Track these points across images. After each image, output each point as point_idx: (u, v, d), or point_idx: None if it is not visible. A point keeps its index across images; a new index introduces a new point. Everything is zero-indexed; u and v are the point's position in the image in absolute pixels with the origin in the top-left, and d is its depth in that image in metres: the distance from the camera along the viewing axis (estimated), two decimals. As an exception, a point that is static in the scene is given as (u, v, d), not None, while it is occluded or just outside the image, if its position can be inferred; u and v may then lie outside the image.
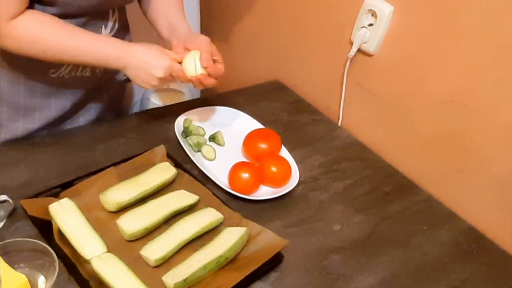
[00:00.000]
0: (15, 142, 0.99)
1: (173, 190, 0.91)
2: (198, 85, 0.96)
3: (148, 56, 0.90)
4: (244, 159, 1.06)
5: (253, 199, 0.95)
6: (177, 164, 0.98)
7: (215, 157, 1.05)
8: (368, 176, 1.09)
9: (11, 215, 0.82)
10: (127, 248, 0.80)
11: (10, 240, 0.69)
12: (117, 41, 0.92)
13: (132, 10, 1.08)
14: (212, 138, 1.09)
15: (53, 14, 0.86)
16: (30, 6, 0.84)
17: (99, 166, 0.93)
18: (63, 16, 0.87)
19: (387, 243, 0.93)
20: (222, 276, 0.78)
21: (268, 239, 0.84)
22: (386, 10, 1.07)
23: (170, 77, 0.93)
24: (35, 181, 0.90)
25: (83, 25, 0.91)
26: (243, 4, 1.52)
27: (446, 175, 1.06)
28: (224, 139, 1.10)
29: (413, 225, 0.98)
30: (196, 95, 1.73)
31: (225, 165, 0.99)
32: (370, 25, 1.11)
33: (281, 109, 1.28)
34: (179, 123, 1.07)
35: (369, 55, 1.15)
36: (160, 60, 0.91)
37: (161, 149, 0.99)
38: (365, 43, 1.14)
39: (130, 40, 1.08)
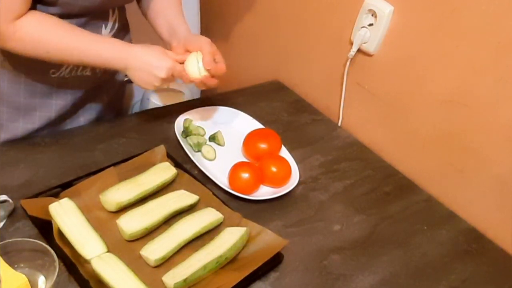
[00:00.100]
0: (15, 142, 0.99)
1: (173, 190, 0.91)
2: (201, 86, 0.97)
3: (150, 57, 0.91)
4: (244, 159, 1.06)
5: (253, 199, 0.95)
6: (177, 164, 0.98)
7: (215, 157, 1.05)
8: (368, 176, 1.09)
9: (11, 215, 0.82)
10: (127, 248, 0.80)
11: (10, 240, 0.69)
12: (119, 43, 0.92)
13: (132, 10, 1.08)
14: (212, 138, 1.09)
15: (54, 14, 0.86)
16: (33, 6, 0.84)
17: (99, 166, 0.93)
18: (64, 16, 0.87)
19: (387, 243, 0.93)
20: (222, 276, 0.78)
21: (268, 239, 0.84)
22: (386, 10, 1.07)
23: (171, 78, 0.94)
24: (35, 181, 0.90)
25: (84, 25, 0.91)
26: (243, 4, 1.52)
27: (446, 175, 1.06)
28: (224, 139, 1.10)
29: (413, 225, 0.98)
30: (196, 95, 1.73)
31: (225, 165, 0.99)
32: (370, 25, 1.11)
33: (281, 109, 1.28)
34: (179, 123, 1.08)
35: (369, 55, 1.15)
36: (162, 61, 0.91)
37: (161, 149, 0.99)
38: (365, 43, 1.14)
39: (130, 40, 1.08)
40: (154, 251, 0.78)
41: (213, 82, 0.96)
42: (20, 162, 0.94)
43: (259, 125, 1.14)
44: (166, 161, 0.97)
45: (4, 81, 0.95)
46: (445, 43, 1.00)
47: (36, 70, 0.95)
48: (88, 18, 0.92)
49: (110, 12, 0.97)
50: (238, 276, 0.77)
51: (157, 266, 0.78)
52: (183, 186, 0.92)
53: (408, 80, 1.09)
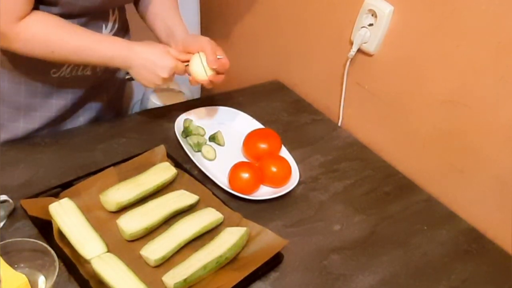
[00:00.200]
0: (15, 142, 0.99)
1: (173, 190, 0.91)
2: (209, 85, 0.98)
3: (153, 56, 0.92)
4: (244, 159, 1.06)
5: (253, 199, 0.95)
6: (177, 164, 0.98)
7: (215, 157, 1.05)
8: (368, 176, 1.09)
9: (11, 215, 0.82)
10: (127, 248, 0.80)
11: (10, 240, 0.69)
12: (122, 41, 0.93)
13: (132, 10, 1.08)
14: (212, 138, 1.09)
15: (55, 14, 0.86)
16: (35, 6, 0.84)
17: (99, 166, 0.93)
18: (64, 16, 0.87)
19: (387, 243, 0.93)
20: (222, 276, 0.78)
21: (268, 239, 0.84)
22: (386, 10, 1.07)
23: (173, 76, 0.94)
24: (35, 181, 0.90)
25: (84, 25, 0.91)
26: (243, 4, 1.52)
27: (446, 175, 1.06)
28: (224, 139, 1.10)
29: (413, 225, 0.98)
30: (196, 95, 1.73)
31: (225, 165, 0.99)
32: (370, 25, 1.11)
33: (281, 109, 1.28)
34: (179, 123, 1.08)
35: (369, 55, 1.15)
36: (165, 60, 0.92)
37: (161, 149, 0.99)
38: (365, 43, 1.14)
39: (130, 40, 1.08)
40: (154, 251, 0.78)
41: (220, 79, 0.97)
42: (20, 162, 0.94)
43: (259, 125, 1.14)
44: (166, 161, 0.97)
45: (4, 81, 0.95)
46: (445, 43, 1.00)
47: (37, 70, 0.95)
48: (88, 18, 0.92)
49: (110, 12, 0.97)
50: (238, 276, 0.77)
51: (157, 266, 0.78)
52: (183, 186, 0.92)
53: (408, 80, 1.09)
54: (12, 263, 0.68)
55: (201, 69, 0.95)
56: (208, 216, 0.87)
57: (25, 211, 0.80)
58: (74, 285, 0.73)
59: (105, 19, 0.96)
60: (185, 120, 1.09)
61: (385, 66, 1.13)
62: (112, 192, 0.86)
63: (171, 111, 1.14)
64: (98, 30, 0.95)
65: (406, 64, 1.09)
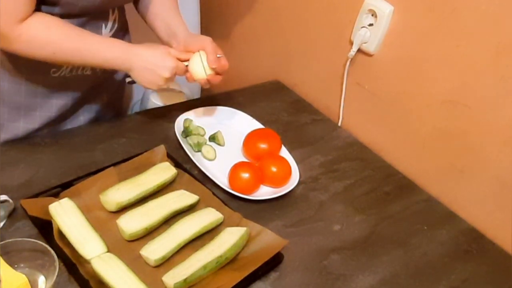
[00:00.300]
0: (15, 142, 0.99)
1: (173, 190, 0.91)
2: (206, 85, 0.98)
3: (154, 57, 0.92)
4: (244, 159, 1.06)
5: (253, 199, 0.95)
6: (177, 164, 0.98)
7: (215, 157, 1.05)
8: (368, 176, 1.09)
9: (11, 215, 0.82)
10: (127, 248, 0.80)
11: (10, 240, 0.69)
12: (123, 43, 0.93)
13: (131, 10, 1.08)
14: (212, 138, 1.09)
15: (54, 14, 0.86)
16: (37, 7, 0.84)
17: (99, 166, 0.93)
18: (64, 16, 0.88)
19: (387, 243, 0.93)
20: (222, 276, 0.78)
21: (268, 239, 0.84)
22: (386, 10, 1.07)
23: (174, 77, 0.95)
24: (35, 181, 0.90)
25: (84, 25, 0.91)
26: (243, 4, 1.52)
27: (446, 175, 1.06)
28: (224, 139, 1.10)
29: (413, 225, 0.98)
30: (196, 95, 1.73)
31: (225, 165, 0.99)
32: (370, 25, 1.11)
33: (281, 109, 1.28)
34: (179, 123, 1.08)
35: (369, 55, 1.15)
36: (166, 61, 0.92)
37: (161, 149, 0.99)
38: (365, 43, 1.14)
39: (130, 40, 1.09)
40: (154, 251, 0.78)
41: (218, 80, 0.98)
42: (20, 162, 0.94)
43: (259, 125, 1.14)
44: (166, 161, 0.97)
45: (4, 81, 0.95)
46: (445, 43, 1.00)
47: (37, 70, 0.95)
48: (88, 18, 0.92)
49: (110, 12, 0.97)
50: (238, 276, 0.77)
51: (157, 266, 0.78)
52: (183, 186, 0.92)
53: (408, 80, 1.09)
54: (12, 263, 0.68)
55: (201, 68, 0.95)
56: (208, 216, 0.87)
57: (25, 211, 0.80)
58: (74, 285, 0.73)
59: (105, 18, 0.96)
60: (185, 120, 1.09)
61: (385, 66, 1.13)
62: (112, 192, 0.86)
63: (171, 111, 1.14)
64: (98, 29, 0.95)
65: (406, 64, 1.09)
